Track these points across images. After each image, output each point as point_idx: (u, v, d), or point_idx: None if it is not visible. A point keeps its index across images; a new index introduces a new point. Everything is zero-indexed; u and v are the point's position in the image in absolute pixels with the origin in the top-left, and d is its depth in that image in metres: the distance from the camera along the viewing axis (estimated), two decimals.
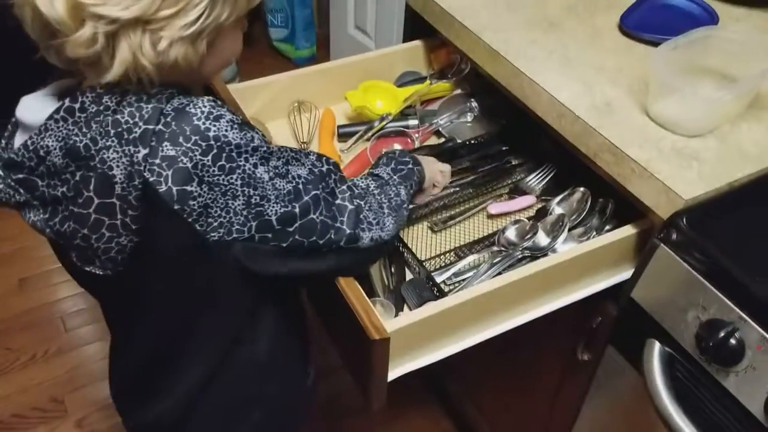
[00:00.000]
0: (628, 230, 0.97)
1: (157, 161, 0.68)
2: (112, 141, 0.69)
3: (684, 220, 0.86)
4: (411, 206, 1.05)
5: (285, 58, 2.91)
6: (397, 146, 1.20)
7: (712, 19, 1.15)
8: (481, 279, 0.97)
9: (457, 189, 1.14)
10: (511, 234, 1.03)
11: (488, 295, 0.89)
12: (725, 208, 0.88)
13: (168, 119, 0.69)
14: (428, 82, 1.29)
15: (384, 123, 1.21)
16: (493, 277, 0.96)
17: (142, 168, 0.68)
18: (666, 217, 0.88)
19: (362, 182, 0.88)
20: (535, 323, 0.97)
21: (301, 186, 0.76)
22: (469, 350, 0.94)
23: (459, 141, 1.22)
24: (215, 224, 0.71)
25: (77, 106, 0.71)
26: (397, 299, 0.97)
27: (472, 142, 1.21)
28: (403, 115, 1.25)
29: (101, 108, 0.70)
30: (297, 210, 0.75)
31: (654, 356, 0.90)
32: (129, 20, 0.66)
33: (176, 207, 0.69)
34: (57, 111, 0.72)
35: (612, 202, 1.04)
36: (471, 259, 1.03)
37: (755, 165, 0.92)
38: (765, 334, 0.78)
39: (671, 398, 0.88)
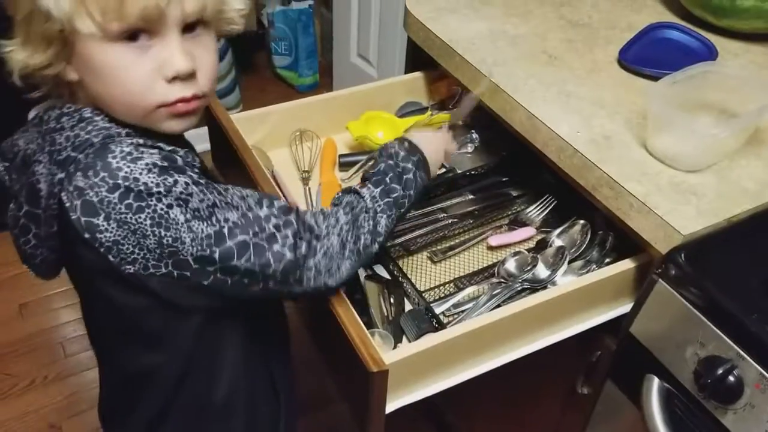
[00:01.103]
0: (627, 264, 0.97)
1: (71, 188, 0.69)
2: (44, 157, 0.72)
3: (682, 255, 0.86)
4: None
5: (288, 86, 2.93)
6: None
7: (711, 54, 1.16)
8: (480, 311, 0.97)
9: (457, 220, 1.14)
10: (510, 266, 1.04)
11: (488, 328, 0.89)
12: (724, 244, 0.88)
13: (90, 151, 0.69)
14: (429, 112, 1.30)
15: None
16: (492, 309, 0.96)
17: (56, 190, 0.70)
18: (664, 252, 0.88)
19: (332, 217, 0.82)
20: (534, 356, 0.97)
21: (226, 230, 0.72)
22: (468, 382, 0.93)
23: (459, 172, 1.22)
24: (129, 259, 0.71)
25: (45, 117, 0.75)
26: (395, 330, 0.96)
27: (473, 173, 1.21)
28: None
29: (57, 126, 0.73)
30: (216, 255, 0.72)
31: (653, 392, 0.90)
32: None
33: (86, 236, 0.70)
34: (34, 117, 0.76)
35: (612, 235, 1.04)
36: (470, 290, 1.03)
37: (754, 201, 0.92)
38: (764, 372, 0.77)
39: None
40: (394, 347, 0.93)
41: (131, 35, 0.68)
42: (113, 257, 0.71)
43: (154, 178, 0.68)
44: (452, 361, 0.91)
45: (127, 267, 0.71)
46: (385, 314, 1.00)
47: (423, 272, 1.08)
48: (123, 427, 0.95)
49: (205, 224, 0.71)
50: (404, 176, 0.88)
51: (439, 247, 1.12)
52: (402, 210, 0.88)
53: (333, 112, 1.27)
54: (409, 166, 0.90)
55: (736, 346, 0.80)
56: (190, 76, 0.72)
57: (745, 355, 0.79)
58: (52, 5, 0.65)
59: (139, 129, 0.74)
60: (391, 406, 0.88)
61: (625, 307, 0.99)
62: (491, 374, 0.94)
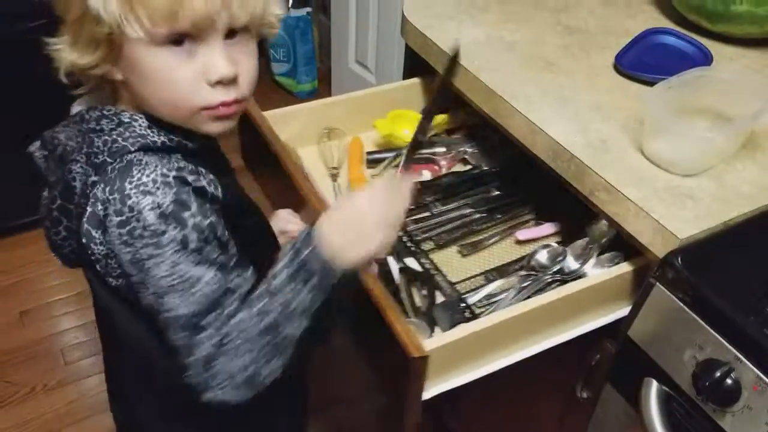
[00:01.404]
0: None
1: (91, 194, 0.72)
2: (82, 157, 0.75)
3: (679, 259, 0.86)
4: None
5: (287, 92, 2.94)
6: (426, 173, 1.25)
7: (706, 58, 1.17)
8: (510, 302, 1.00)
9: (485, 215, 1.18)
10: (542, 257, 1.06)
11: (523, 317, 0.91)
12: (720, 248, 0.89)
13: (118, 165, 0.71)
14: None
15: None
16: (524, 299, 0.98)
17: (89, 191, 0.73)
18: (661, 255, 0.89)
19: (236, 340, 0.72)
20: (533, 360, 0.97)
21: (172, 313, 0.72)
22: (468, 385, 0.94)
23: (485, 168, 1.26)
24: (114, 274, 0.75)
25: (87, 116, 0.76)
26: (427, 322, 0.98)
27: (498, 169, 1.25)
28: (430, 142, 1.30)
29: (96, 127, 0.74)
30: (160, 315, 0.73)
31: (651, 395, 0.90)
32: None
33: (83, 241, 0.74)
34: (76, 114, 0.78)
35: None
36: (500, 282, 1.05)
37: (750, 204, 0.93)
38: (761, 374, 0.78)
39: None
40: (429, 337, 0.95)
41: (176, 40, 0.69)
42: (100, 268, 0.75)
43: (152, 218, 0.69)
44: (488, 350, 0.93)
45: (110, 280, 0.76)
46: (418, 305, 1.02)
47: (453, 265, 1.11)
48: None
49: (168, 294, 0.71)
50: (280, 317, 0.73)
51: (468, 241, 1.14)
52: (304, 327, 0.75)
53: (357, 111, 1.31)
54: (289, 296, 0.73)
55: (733, 349, 0.80)
56: (232, 81, 0.73)
57: (743, 358, 0.79)
58: (101, 9, 0.66)
59: (179, 134, 0.75)
60: (427, 394, 0.89)
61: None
62: (492, 378, 0.95)
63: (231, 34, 0.72)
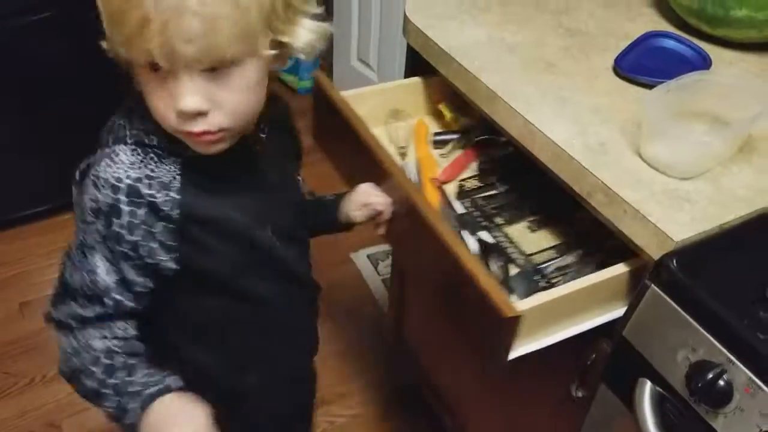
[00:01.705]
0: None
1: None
2: (106, 130, 0.82)
3: (674, 261, 0.87)
4: None
5: (289, 89, 2.95)
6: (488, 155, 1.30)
7: (705, 62, 1.18)
8: (577, 275, 1.03)
9: (548, 192, 1.21)
10: None
11: (598, 285, 0.96)
12: (715, 250, 0.89)
13: (107, 149, 0.78)
14: None
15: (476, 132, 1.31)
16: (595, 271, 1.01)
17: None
18: (657, 257, 0.90)
19: (102, 343, 0.87)
20: (529, 360, 0.98)
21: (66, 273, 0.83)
22: (467, 383, 0.95)
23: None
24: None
25: (134, 95, 0.81)
26: (505, 291, 1.01)
27: None
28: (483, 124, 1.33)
29: (130, 105, 0.81)
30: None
31: (645, 396, 0.91)
32: None
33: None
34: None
35: None
36: (570, 256, 1.09)
37: (745, 207, 0.94)
38: (753, 376, 0.79)
39: None
40: None
41: (153, 66, 0.71)
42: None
43: (88, 207, 0.78)
44: (568, 315, 0.97)
45: None
46: (494, 275, 1.06)
47: (522, 240, 1.16)
48: None
49: (68, 256, 0.83)
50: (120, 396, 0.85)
51: (535, 218, 1.20)
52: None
53: (419, 95, 1.36)
54: (106, 385, 0.87)
55: (726, 351, 0.81)
56: (199, 114, 0.73)
57: (735, 360, 0.80)
58: (104, 23, 0.71)
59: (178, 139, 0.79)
60: (513, 353, 0.93)
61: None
62: (490, 377, 0.96)
63: (211, 68, 0.72)
